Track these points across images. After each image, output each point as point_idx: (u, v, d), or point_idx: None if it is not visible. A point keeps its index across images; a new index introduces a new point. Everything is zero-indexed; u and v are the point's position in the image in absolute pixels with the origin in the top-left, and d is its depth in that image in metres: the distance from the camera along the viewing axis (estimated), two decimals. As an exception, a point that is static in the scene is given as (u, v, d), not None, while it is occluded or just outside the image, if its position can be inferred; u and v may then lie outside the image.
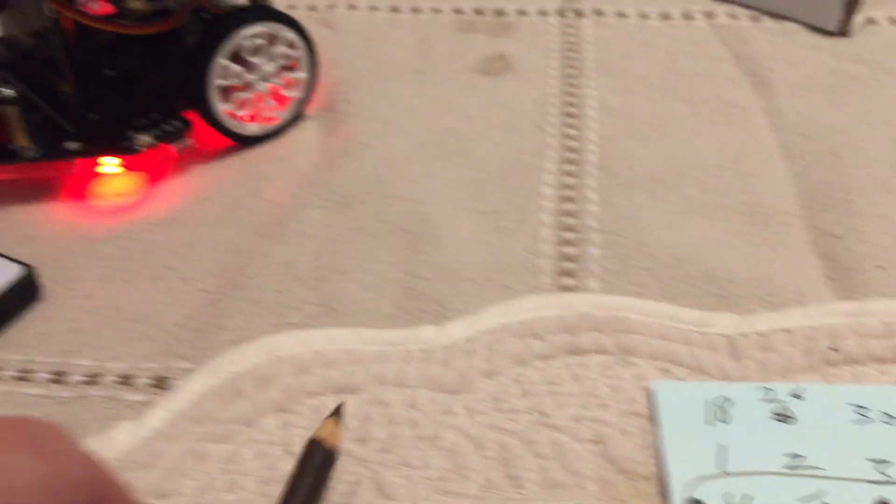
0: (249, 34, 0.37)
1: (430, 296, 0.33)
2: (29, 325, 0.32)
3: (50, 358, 0.31)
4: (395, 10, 0.50)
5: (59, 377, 0.30)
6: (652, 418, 0.28)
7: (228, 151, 0.40)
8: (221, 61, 0.37)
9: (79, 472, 0.19)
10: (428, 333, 0.31)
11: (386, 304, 0.32)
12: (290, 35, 0.39)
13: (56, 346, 0.31)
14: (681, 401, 0.28)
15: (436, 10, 0.49)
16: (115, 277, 0.34)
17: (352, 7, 0.50)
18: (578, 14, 0.48)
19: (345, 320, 0.32)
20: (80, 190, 0.38)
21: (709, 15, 0.48)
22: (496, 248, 0.35)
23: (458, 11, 0.49)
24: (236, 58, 0.38)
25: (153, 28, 0.37)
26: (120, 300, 0.33)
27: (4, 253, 0.33)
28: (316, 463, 0.26)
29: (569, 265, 0.34)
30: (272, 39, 0.38)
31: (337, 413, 0.27)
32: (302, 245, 0.35)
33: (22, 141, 0.36)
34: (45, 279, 0.34)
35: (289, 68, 0.40)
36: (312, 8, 0.49)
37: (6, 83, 0.35)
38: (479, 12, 0.49)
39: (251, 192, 0.38)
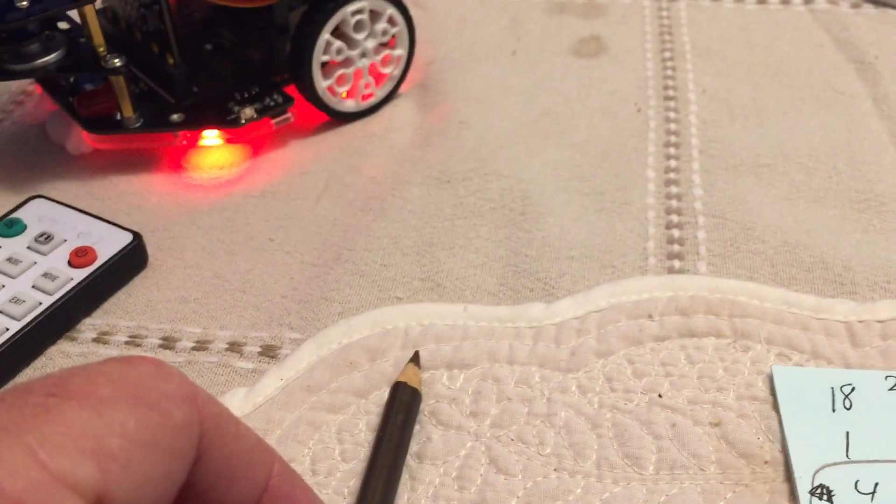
0: (353, 9, 0.37)
1: (536, 274, 0.32)
2: (137, 291, 0.33)
3: (159, 324, 0.31)
4: (484, -9, 0.49)
5: (168, 343, 0.31)
6: (772, 403, 0.27)
7: (325, 127, 0.40)
8: (325, 36, 0.37)
9: (186, 416, 0.17)
10: (537, 311, 0.31)
11: (491, 281, 0.32)
12: (391, 11, 0.39)
13: (164, 313, 0.32)
14: (802, 387, 0.27)
15: (526, -8, 0.49)
16: (219, 248, 0.34)
17: (441, -13, 0.50)
18: (672, -3, 0.48)
19: (451, 296, 0.32)
20: (182, 161, 0.38)
21: (807, 0, 0.47)
22: (601, 228, 0.34)
23: (548, -7, 0.49)
24: (338, 34, 0.38)
25: (263, 1, 0.37)
26: (225, 270, 0.33)
27: (109, 220, 0.34)
28: (404, 401, 0.27)
29: (676, 248, 0.33)
30: (374, 16, 0.38)
31: (415, 360, 0.28)
32: (405, 221, 0.35)
33: (128, 111, 0.36)
34: (151, 248, 0.34)
35: (387, 45, 0.40)
36: (401, -12, 0.49)
37: (115, 53, 0.35)
38: (570, -6, 0.49)
39: (350, 167, 0.38)
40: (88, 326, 0.31)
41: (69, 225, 0.33)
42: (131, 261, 0.33)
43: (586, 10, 0.47)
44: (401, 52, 0.40)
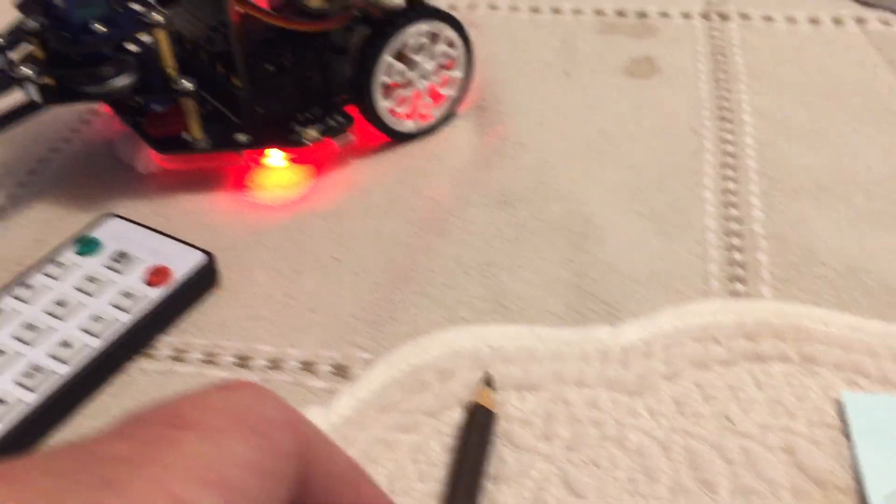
0: (415, 32, 0.38)
1: (600, 296, 0.33)
2: (210, 310, 0.33)
3: (233, 342, 0.32)
4: (535, 10, 0.50)
5: (243, 361, 0.31)
6: (841, 429, 0.28)
7: (384, 147, 0.40)
8: (387, 58, 0.38)
9: (290, 442, 0.18)
10: (603, 333, 0.31)
11: (555, 303, 0.33)
12: (451, 34, 0.39)
13: (237, 331, 0.32)
14: (873, 413, 0.28)
15: (577, 11, 0.49)
16: (287, 267, 0.35)
17: (493, 7, 0.50)
18: (723, 17, 0.48)
19: (515, 317, 0.32)
20: (246, 180, 0.39)
21: (860, 21, 0.47)
22: (662, 250, 0.35)
23: (599, 13, 0.49)
24: (399, 56, 0.38)
25: (330, 25, 0.37)
26: (293, 289, 0.34)
27: (181, 239, 0.35)
28: (481, 423, 0.28)
29: (738, 271, 0.33)
30: (434, 38, 0.39)
31: (488, 381, 0.29)
32: (467, 241, 0.35)
33: (196, 132, 0.37)
34: (221, 266, 0.35)
35: (446, 67, 0.40)
36: (453, 7, 0.50)
37: (185, 76, 0.36)
38: (620, 14, 0.49)
39: (411, 187, 0.38)
40: (165, 344, 0.32)
41: (143, 244, 0.34)
42: (204, 279, 0.34)
43: (637, 30, 0.48)
44: (459, 73, 0.41)
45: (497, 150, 0.40)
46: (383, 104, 0.39)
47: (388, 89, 0.39)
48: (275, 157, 0.39)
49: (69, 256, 0.34)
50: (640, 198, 0.37)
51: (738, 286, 0.33)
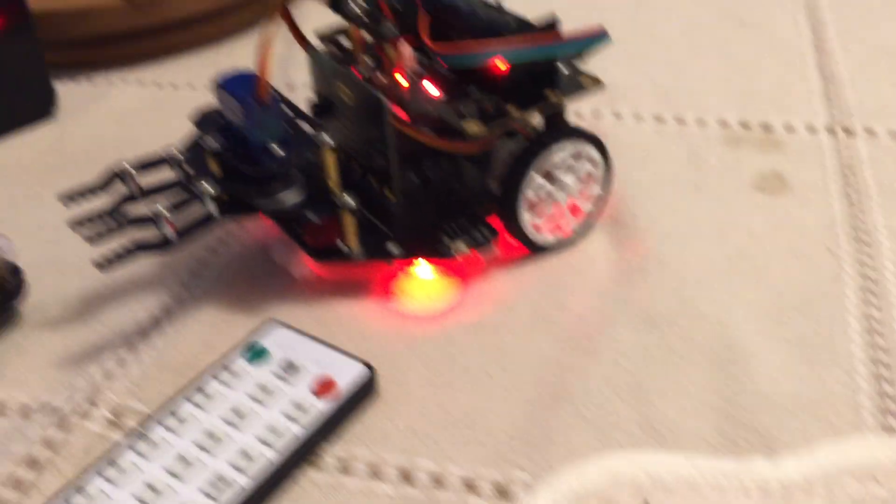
0: (562, 151, 0.40)
1: (752, 425, 0.33)
2: (371, 421, 0.35)
3: (394, 455, 0.33)
4: (659, 120, 0.51)
5: (406, 477, 0.33)
6: None
7: (523, 259, 0.42)
8: (534, 176, 0.39)
9: None
10: (760, 466, 0.32)
11: (708, 430, 0.33)
12: (594, 153, 0.41)
13: (398, 444, 0.34)
14: None
15: (700, 122, 0.51)
16: (441, 380, 0.36)
17: (617, 116, 0.52)
18: (849, 132, 0.49)
19: (669, 443, 0.33)
20: (394, 288, 0.41)
21: None
22: (810, 378, 0.35)
23: (723, 124, 0.50)
24: (545, 173, 0.40)
25: (486, 146, 0.40)
26: (449, 404, 0.35)
27: (341, 348, 0.36)
28: None
29: (890, 405, 0.34)
30: (578, 156, 0.41)
31: None
32: (617, 362, 0.36)
33: (353, 243, 0.39)
34: (377, 375, 0.36)
35: (586, 183, 0.42)
36: (578, 115, 0.52)
37: (347, 191, 0.38)
38: (744, 126, 0.50)
39: (554, 302, 0.40)
40: (330, 454, 0.34)
41: (307, 353, 0.36)
42: (365, 390, 0.35)
43: (763, 144, 0.49)
44: (598, 189, 0.42)
45: (637, 267, 0.41)
46: (527, 219, 0.40)
47: (531, 204, 0.40)
48: (423, 268, 0.41)
49: (240, 364, 0.36)
50: (783, 322, 0.38)
51: (892, 421, 0.33)
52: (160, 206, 0.35)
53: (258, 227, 0.45)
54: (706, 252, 0.42)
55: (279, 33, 0.37)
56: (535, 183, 0.40)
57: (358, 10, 0.40)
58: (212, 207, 0.37)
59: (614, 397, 0.35)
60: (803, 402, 0.34)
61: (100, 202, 0.38)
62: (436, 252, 0.40)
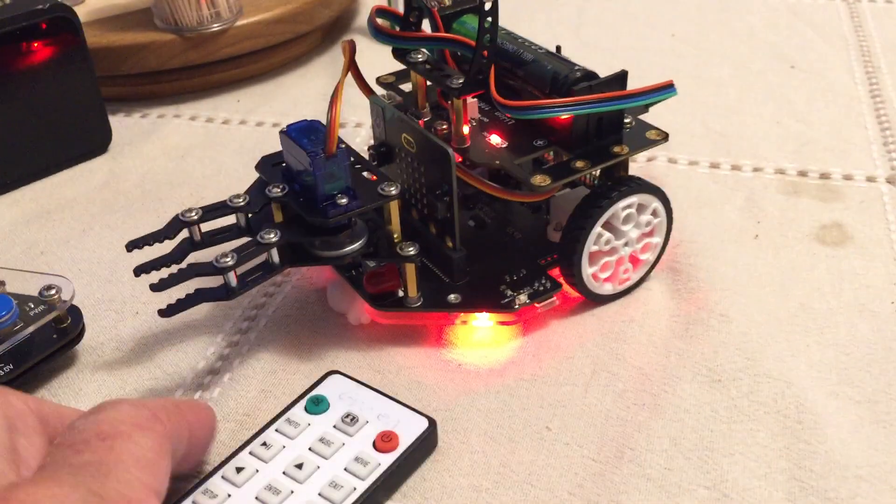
0: (625, 204, 0.39)
1: (825, 493, 0.33)
2: (430, 475, 0.34)
3: (457, 514, 0.33)
4: (714, 166, 0.51)
5: (469, 536, 0.32)
6: None
7: (580, 308, 0.42)
8: (598, 230, 0.39)
9: (161, 423, 0.29)
10: (835, 537, 0.31)
11: (778, 496, 0.33)
12: (656, 204, 0.41)
13: (459, 500, 0.33)
14: None
15: (757, 169, 0.50)
16: (500, 434, 0.36)
17: (672, 161, 0.51)
18: (909, 183, 0.48)
19: (738, 508, 0.32)
20: (451, 336, 0.40)
21: None
22: (882, 444, 0.34)
23: (780, 172, 0.50)
24: (607, 225, 0.40)
25: (549, 194, 0.39)
26: (509, 459, 0.35)
27: (402, 401, 0.36)
28: None
29: (967, 473, 0.33)
30: (641, 208, 0.40)
31: None
32: (682, 420, 0.36)
33: (412, 292, 0.39)
34: (438, 429, 0.36)
35: (647, 234, 0.41)
36: (630, 158, 0.51)
37: (407, 242, 0.38)
38: (802, 174, 0.50)
39: (614, 354, 0.39)
40: (391, 510, 0.33)
41: (368, 405, 0.36)
42: (427, 444, 0.35)
43: (822, 192, 0.48)
44: (659, 239, 0.42)
45: (696, 319, 0.40)
46: (588, 271, 0.40)
47: (593, 255, 0.40)
48: (482, 318, 0.40)
49: (300, 415, 0.35)
50: (851, 381, 0.37)
51: (969, 491, 0.32)
52: (226, 256, 0.35)
53: (313, 271, 0.45)
54: (768, 306, 0.41)
55: (346, 82, 0.37)
56: (597, 234, 0.39)
57: (423, 60, 0.40)
58: (274, 256, 0.37)
59: (680, 458, 0.34)
60: (876, 469, 0.33)
61: (164, 248, 0.39)
62: (497, 304, 0.40)
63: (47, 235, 0.49)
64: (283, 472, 0.33)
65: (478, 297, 0.40)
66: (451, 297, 0.40)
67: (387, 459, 0.34)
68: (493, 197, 0.43)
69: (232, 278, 0.36)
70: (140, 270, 0.37)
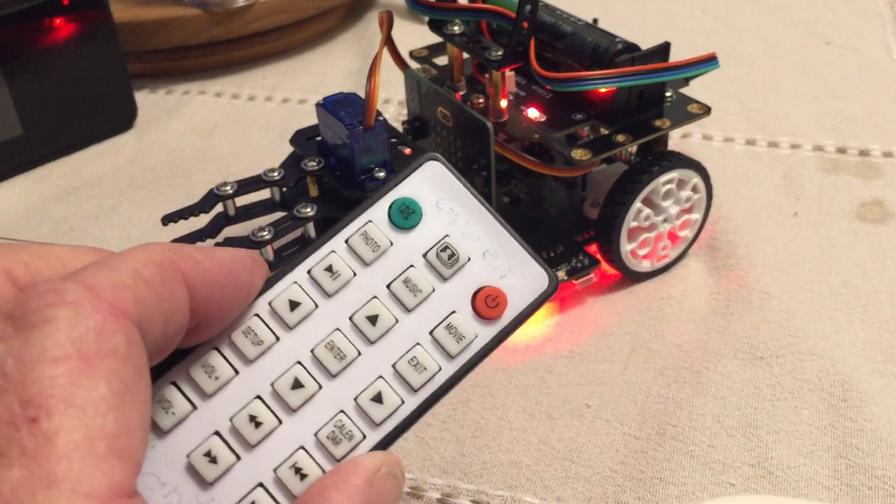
0: (665, 180, 0.39)
1: (872, 471, 0.32)
2: (471, 451, 0.34)
3: (498, 491, 0.33)
4: (750, 142, 0.50)
5: (511, 512, 0.32)
6: None
7: (618, 285, 0.41)
8: (637, 205, 0.38)
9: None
10: (885, 515, 0.30)
11: (824, 474, 0.32)
12: (696, 180, 0.40)
13: (500, 477, 0.33)
14: None
15: (794, 146, 0.49)
16: (539, 411, 0.35)
17: (706, 138, 0.51)
18: (951, 160, 0.47)
19: (784, 486, 0.32)
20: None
21: None
22: (930, 422, 0.34)
23: (818, 149, 0.49)
24: (646, 201, 0.39)
25: (586, 170, 0.39)
26: (549, 436, 0.34)
27: (520, 239, 0.27)
28: None
29: None
30: (681, 183, 0.39)
31: None
32: (725, 398, 0.35)
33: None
34: (475, 405, 0.36)
35: (687, 210, 0.41)
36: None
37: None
38: (841, 150, 0.49)
39: (652, 331, 0.38)
40: (430, 486, 0.33)
41: (473, 231, 0.24)
42: (537, 304, 0.24)
43: (861, 169, 0.47)
44: (698, 216, 0.41)
45: (737, 297, 0.40)
46: (627, 247, 0.39)
47: (631, 232, 0.39)
48: (518, 294, 0.40)
49: (382, 227, 0.24)
50: (895, 359, 0.36)
51: None
52: (263, 230, 0.35)
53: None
54: (810, 283, 0.40)
55: (382, 55, 0.37)
56: (637, 210, 0.39)
57: (459, 32, 0.40)
58: (311, 231, 0.37)
59: (724, 435, 0.34)
60: (924, 447, 0.33)
61: (199, 221, 0.38)
62: (532, 278, 0.39)
63: (76, 212, 0.49)
64: (351, 320, 0.23)
65: (515, 273, 0.39)
66: (488, 273, 0.39)
67: (485, 333, 0.24)
68: (526, 173, 0.43)
69: (269, 252, 0.36)
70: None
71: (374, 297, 0.24)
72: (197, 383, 0.23)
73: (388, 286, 0.24)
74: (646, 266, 0.41)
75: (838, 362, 0.36)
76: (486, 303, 0.24)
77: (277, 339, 0.23)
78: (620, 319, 0.39)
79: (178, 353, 0.23)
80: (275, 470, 0.22)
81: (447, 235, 0.24)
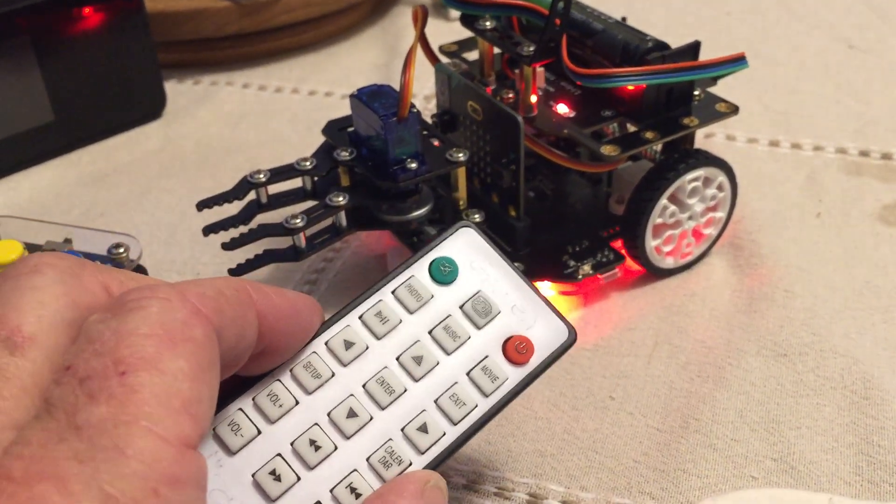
0: (692, 177, 0.39)
1: (892, 467, 0.32)
2: (496, 440, 0.35)
3: (523, 478, 0.33)
4: (774, 144, 0.50)
5: (535, 500, 0.32)
6: None
7: (641, 280, 0.41)
8: (663, 202, 0.39)
9: (204, 329, 0.21)
10: (906, 512, 0.31)
11: (846, 469, 0.33)
12: (722, 178, 0.40)
13: (525, 466, 0.34)
14: None
15: (818, 148, 0.50)
16: (564, 402, 0.36)
17: (730, 138, 0.51)
18: (974, 165, 0.48)
19: (806, 480, 0.32)
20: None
21: None
22: (951, 422, 0.34)
23: (841, 151, 0.49)
24: (672, 198, 0.40)
25: (614, 165, 0.39)
26: (573, 426, 0.35)
27: (543, 295, 0.31)
28: None
29: None
30: (707, 182, 0.40)
31: None
32: (748, 393, 0.36)
33: (475, 259, 0.39)
34: (499, 395, 0.36)
35: (712, 208, 0.41)
36: (689, 135, 0.51)
37: (472, 209, 0.38)
38: (864, 154, 0.49)
39: (676, 327, 0.39)
40: (455, 472, 0.33)
41: (502, 288, 0.28)
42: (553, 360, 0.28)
43: (884, 172, 0.48)
44: (722, 214, 0.42)
45: (760, 295, 0.40)
46: (651, 243, 0.40)
47: (656, 228, 0.40)
48: (543, 288, 0.40)
49: (424, 281, 0.27)
50: (918, 360, 0.37)
51: None
52: (295, 218, 0.36)
53: (372, 238, 0.45)
54: (833, 283, 0.41)
55: (417, 48, 0.37)
56: (663, 207, 0.39)
57: (491, 27, 0.40)
58: (342, 219, 0.37)
59: (747, 430, 0.34)
60: (945, 446, 0.33)
61: (232, 208, 0.39)
62: (560, 274, 0.40)
63: (106, 197, 0.50)
64: (398, 360, 0.27)
65: (540, 266, 0.40)
66: (515, 265, 0.40)
67: (515, 375, 0.27)
68: (551, 169, 0.43)
69: (301, 240, 0.36)
70: (209, 230, 0.37)
71: (418, 340, 0.27)
72: (262, 410, 0.25)
73: (429, 332, 0.27)
74: (670, 263, 0.41)
75: (861, 361, 0.37)
76: (516, 349, 0.27)
77: (333, 374, 0.26)
78: (644, 314, 0.40)
79: (245, 384, 0.25)
80: (331, 490, 0.25)
81: (480, 290, 0.28)
